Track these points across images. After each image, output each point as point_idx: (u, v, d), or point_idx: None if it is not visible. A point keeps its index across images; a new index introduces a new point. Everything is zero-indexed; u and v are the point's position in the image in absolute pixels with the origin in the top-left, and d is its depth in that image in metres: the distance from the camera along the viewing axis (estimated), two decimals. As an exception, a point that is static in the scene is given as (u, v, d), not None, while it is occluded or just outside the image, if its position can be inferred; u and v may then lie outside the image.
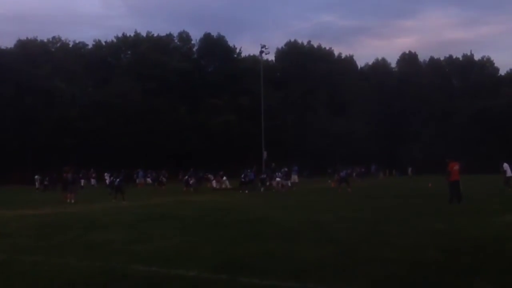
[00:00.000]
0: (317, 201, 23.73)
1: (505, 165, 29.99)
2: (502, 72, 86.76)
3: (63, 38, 71.27)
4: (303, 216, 16.48)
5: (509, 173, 29.78)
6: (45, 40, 69.35)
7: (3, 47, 65.68)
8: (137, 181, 46.14)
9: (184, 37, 77.54)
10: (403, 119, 76.29)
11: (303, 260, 8.74)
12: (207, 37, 77.59)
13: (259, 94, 57.38)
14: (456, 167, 20.56)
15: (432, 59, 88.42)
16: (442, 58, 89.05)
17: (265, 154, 52.18)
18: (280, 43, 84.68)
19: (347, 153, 64.24)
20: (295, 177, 41.06)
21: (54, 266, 8.75)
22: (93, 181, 48.23)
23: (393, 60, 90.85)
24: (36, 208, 21.86)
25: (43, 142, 58.51)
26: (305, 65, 77.13)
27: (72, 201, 25.79)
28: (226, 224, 14.51)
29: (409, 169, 65.54)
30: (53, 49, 69.78)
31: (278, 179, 37.29)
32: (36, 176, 44.59)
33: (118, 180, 27.50)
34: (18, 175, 51.49)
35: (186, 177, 37.58)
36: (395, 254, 9.07)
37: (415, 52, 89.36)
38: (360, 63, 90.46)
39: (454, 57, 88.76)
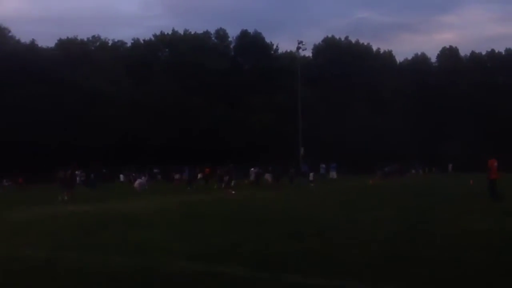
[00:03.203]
0: (357, 199, 23.49)
1: None
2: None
3: (102, 37, 72.67)
4: (344, 213, 16.38)
5: None
6: (85, 40, 70.72)
7: (44, 47, 67.27)
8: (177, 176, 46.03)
9: (221, 34, 78.05)
10: (443, 116, 74.88)
11: (343, 259, 8.70)
12: (244, 35, 77.92)
13: (296, 91, 57.26)
14: (495, 164, 20.16)
15: (473, 53, 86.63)
16: (483, 53, 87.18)
17: (302, 150, 52.13)
18: (318, 39, 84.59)
19: (386, 151, 63.36)
20: (333, 174, 41.10)
21: (98, 263, 8.91)
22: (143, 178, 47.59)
23: (433, 56, 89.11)
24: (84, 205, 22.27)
25: (84, 142, 59.45)
26: (343, 61, 76.60)
27: (65, 197, 25.67)
28: (267, 221, 14.53)
29: (450, 166, 64.23)
30: (92, 48, 71.16)
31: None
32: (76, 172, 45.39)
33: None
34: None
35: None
36: (436, 253, 8.95)
37: (456, 47, 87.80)
38: (399, 58, 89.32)
39: (496, 51, 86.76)
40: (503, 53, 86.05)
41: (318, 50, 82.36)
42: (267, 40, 78.99)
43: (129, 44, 74.71)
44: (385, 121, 70.22)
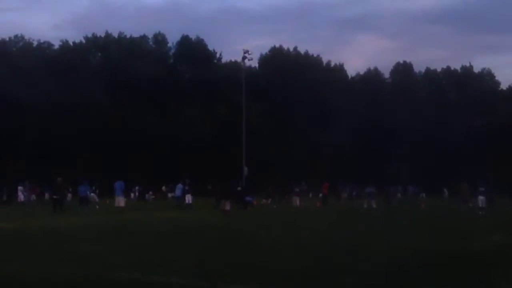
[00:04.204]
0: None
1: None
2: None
3: (26, 37, 72.20)
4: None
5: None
6: (7, 39, 70.20)
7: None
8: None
9: (160, 39, 78.94)
10: (395, 135, 77.85)
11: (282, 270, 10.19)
12: (184, 40, 78.96)
13: (238, 104, 58.68)
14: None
15: (428, 70, 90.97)
16: (439, 70, 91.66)
17: (246, 170, 53.33)
18: (265, 49, 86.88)
19: (333, 170, 65.54)
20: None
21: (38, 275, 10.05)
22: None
23: (386, 71, 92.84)
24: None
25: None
26: (290, 73, 78.74)
27: None
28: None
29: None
30: (14, 49, 70.63)
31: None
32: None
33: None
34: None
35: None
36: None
37: (410, 62, 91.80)
38: (351, 73, 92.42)
39: (452, 68, 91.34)
40: (459, 70, 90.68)
41: (264, 60, 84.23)
42: (210, 47, 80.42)
43: (56, 46, 74.46)
44: (334, 138, 72.51)
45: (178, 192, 39.11)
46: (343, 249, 14.11)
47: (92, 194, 33.83)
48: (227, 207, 29.55)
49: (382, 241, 16.01)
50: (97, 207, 33.23)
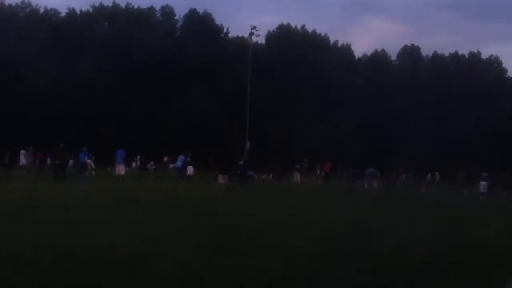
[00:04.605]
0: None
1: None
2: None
3: (33, 3, 71.95)
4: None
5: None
6: (13, 5, 70.03)
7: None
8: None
9: (167, 12, 78.59)
10: (399, 119, 77.63)
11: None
12: (192, 14, 78.58)
13: (243, 79, 58.51)
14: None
15: (435, 54, 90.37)
16: (446, 54, 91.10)
17: (248, 144, 53.31)
18: (273, 26, 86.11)
19: (336, 152, 65.43)
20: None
21: (38, 242, 10.00)
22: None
23: (393, 54, 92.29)
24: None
25: (5, 115, 59.12)
26: (297, 52, 78.38)
27: None
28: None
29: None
30: (21, 15, 70.42)
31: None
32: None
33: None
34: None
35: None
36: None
37: (417, 46, 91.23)
38: (358, 54, 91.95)
39: (460, 53, 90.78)
40: (467, 56, 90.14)
41: (271, 37, 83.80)
42: (218, 22, 79.96)
43: (63, 14, 74.20)
44: (337, 119, 72.37)
45: (179, 163, 39.09)
46: (342, 229, 13.95)
47: (88, 160, 33.65)
48: (221, 180, 29.49)
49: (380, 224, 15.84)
50: (93, 173, 33.10)
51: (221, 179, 29.60)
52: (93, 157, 39.67)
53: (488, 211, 23.58)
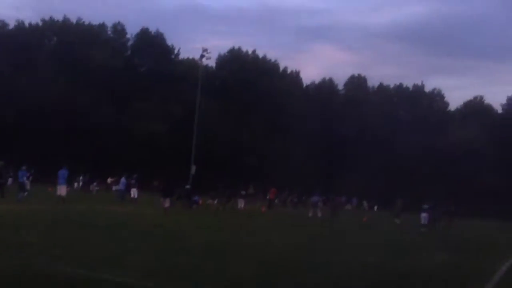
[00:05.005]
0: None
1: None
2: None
3: (-20, 15, 70.37)
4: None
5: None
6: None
7: None
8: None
9: (119, 29, 78.12)
10: (345, 146, 78.88)
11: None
12: (143, 33, 78.29)
13: (193, 102, 58.46)
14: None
15: (381, 86, 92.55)
16: (391, 86, 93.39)
17: (193, 168, 53.20)
18: (224, 49, 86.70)
19: (282, 177, 65.94)
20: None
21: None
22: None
23: (341, 82, 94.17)
24: None
25: None
26: (247, 76, 78.96)
27: None
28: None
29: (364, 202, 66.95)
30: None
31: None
32: None
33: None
34: None
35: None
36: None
37: (364, 76, 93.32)
38: (307, 81, 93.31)
39: (404, 85, 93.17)
40: (411, 88, 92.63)
41: (222, 60, 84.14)
42: (169, 42, 79.92)
43: (11, 27, 72.73)
44: (284, 146, 73.09)
45: (121, 186, 38.86)
46: (280, 258, 14.11)
47: (26, 180, 32.66)
48: (166, 204, 29.57)
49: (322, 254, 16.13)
50: (26, 193, 32.33)
51: (166, 203, 29.68)
52: (31, 177, 38.65)
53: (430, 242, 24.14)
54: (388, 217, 42.60)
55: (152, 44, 77.06)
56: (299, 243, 18.50)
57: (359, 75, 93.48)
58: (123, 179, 39.15)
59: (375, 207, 63.28)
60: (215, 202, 43.60)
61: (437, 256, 17.78)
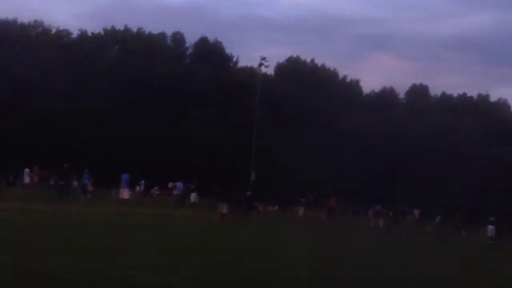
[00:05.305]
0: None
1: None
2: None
3: (46, 24, 72.40)
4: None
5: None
6: (26, 23, 70.41)
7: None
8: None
9: (178, 38, 78.81)
10: (407, 155, 77.24)
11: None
12: (202, 41, 78.83)
13: (251, 109, 58.36)
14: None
15: (444, 94, 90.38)
16: (455, 95, 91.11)
17: (253, 175, 52.94)
18: (282, 57, 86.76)
19: (342, 186, 64.92)
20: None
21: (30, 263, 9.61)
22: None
23: (401, 91, 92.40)
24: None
25: (11, 134, 59.00)
26: (305, 84, 78.48)
27: None
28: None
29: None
30: (33, 34, 70.86)
31: None
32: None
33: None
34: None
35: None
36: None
37: (426, 85, 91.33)
38: (366, 90, 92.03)
39: (468, 95, 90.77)
40: (475, 98, 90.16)
41: (280, 69, 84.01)
42: (228, 51, 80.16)
43: (75, 35, 74.56)
44: (343, 154, 72.00)
45: (178, 190, 39.25)
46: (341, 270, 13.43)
47: (87, 182, 33.13)
48: (224, 210, 29.21)
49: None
50: (89, 195, 32.59)
51: (223, 209, 29.40)
52: (92, 179, 39.31)
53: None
54: (451, 229, 41.57)
55: (211, 53, 77.41)
56: (360, 253, 17.76)
57: (420, 84, 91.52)
58: (179, 184, 39.51)
59: (437, 219, 61.38)
60: (275, 208, 43.43)
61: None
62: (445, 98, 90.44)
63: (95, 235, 14.74)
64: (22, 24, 70.07)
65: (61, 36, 73.98)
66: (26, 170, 41.53)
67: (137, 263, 10.41)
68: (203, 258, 12.37)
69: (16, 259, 9.69)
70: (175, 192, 40.05)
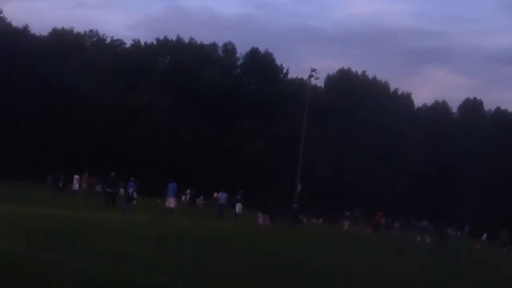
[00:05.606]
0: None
1: None
2: None
3: (100, 33, 74.21)
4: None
5: None
6: (81, 33, 72.31)
7: (36, 34, 68.87)
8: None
9: (229, 49, 79.33)
10: (457, 172, 75.70)
11: None
12: (253, 52, 79.14)
13: (300, 121, 58.23)
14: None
15: (498, 109, 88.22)
16: (510, 110, 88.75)
17: (299, 186, 52.86)
18: (332, 70, 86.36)
19: (389, 201, 64.11)
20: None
21: (76, 269, 9.86)
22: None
23: (455, 105, 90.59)
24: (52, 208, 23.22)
25: (62, 142, 60.65)
26: (356, 97, 78.00)
27: None
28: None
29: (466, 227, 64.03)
30: (88, 43, 72.72)
31: None
32: (49, 176, 47.12)
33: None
34: (29, 173, 53.01)
35: None
36: None
37: (480, 99, 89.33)
38: (418, 103, 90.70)
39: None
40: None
41: (330, 80, 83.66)
42: (278, 62, 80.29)
43: (128, 45, 76.18)
44: (393, 168, 71.20)
45: (222, 200, 39.55)
46: None
47: (133, 191, 33.54)
48: (262, 220, 28.95)
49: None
50: (134, 202, 33.05)
51: (261, 219, 29.14)
52: (135, 187, 39.91)
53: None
54: (495, 247, 40.75)
55: (261, 64, 77.62)
56: (407, 270, 17.44)
57: (474, 98, 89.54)
58: (222, 194, 39.95)
59: (484, 236, 59.99)
60: (320, 221, 43.23)
61: None
62: (499, 113, 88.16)
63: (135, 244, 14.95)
64: (78, 34, 72.03)
65: (115, 46, 75.70)
66: (76, 176, 42.67)
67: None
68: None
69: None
70: (219, 202, 40.34)
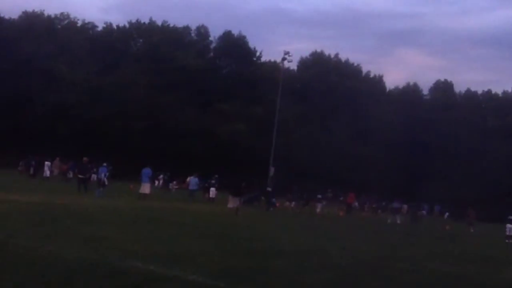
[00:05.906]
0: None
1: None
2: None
3: (71, 16, 73.38)
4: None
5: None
6: (52, 16, 71.44)
7: (6, 17, 67.93)
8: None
9: (202, 32, 79.22)
10: (429, 153, 76.90)
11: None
12: (226, 35, 79.07)
13: (273, 104, 58.52)
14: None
15: (468, 91, 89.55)
16: (480, 92, 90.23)
17: (272, 170, 53.14)
18: (306, 53, 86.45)
19: (362, 182, 64.89)
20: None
21: (50, 254, 10.06)
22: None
23: (425, 88, 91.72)
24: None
25: (35, 126, 60.12)
26: (329, 80, 78.57)
27: None
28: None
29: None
30: (59, 26, 71.90)
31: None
32: (20, 162, 46.65)
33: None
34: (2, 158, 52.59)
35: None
36: None
37: (451, 81, 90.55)
38: (390, 85, 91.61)
39: (493, 92, 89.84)
40: (500, 94, 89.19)
41: (303, 63, 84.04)
42: (251, 45, 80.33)
43: (100, 28, 75.52)
44: (365, 150, 72.04)
45: (192, 185, 39.54)
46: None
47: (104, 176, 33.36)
48: (233, 204, 29.20)
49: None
50: (104, 189, 32.91)
51: (231, 203, 29.37)
52: (107, 172, 39.68)
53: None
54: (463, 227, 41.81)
55: (234, 47, 77.60)
56: (377, 250, 17.96)
57: (445, 80, 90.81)
58: (193, 178, 39.90)
59: (446, 215, 61.33)
60: (292, 204, 43.64)
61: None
62: (470, 95, 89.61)
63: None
64: (49, 17, 71.15)
65: (87, 29, 74.96)
66: (47, 163, 42.28)
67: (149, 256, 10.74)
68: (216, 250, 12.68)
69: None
70: (189, 187, 40.39)
